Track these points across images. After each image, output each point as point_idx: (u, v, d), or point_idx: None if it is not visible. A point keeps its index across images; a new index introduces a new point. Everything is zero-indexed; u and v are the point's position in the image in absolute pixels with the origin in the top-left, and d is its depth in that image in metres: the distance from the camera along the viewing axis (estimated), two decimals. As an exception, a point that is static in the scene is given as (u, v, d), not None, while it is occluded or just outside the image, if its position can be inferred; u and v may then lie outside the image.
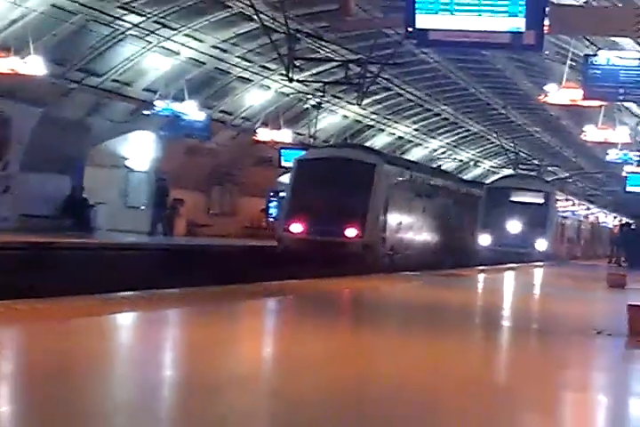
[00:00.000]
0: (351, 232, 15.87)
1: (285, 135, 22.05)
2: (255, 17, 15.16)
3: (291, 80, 15.84)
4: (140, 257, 13.95)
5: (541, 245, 22.59)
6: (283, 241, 16.34)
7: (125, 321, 5.47)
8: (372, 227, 16.15)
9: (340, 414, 2.61)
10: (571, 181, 37.90)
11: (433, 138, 32.92)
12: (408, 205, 18.55)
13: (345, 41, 18.88)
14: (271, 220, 25.01)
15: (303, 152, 19.39)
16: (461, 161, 37.55)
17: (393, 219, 17.24)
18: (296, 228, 15.95)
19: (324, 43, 18.33)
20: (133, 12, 15.85)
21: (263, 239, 20.14)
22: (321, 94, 20.50)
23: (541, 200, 23.09)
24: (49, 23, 15.21)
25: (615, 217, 37.13)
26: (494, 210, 22.44)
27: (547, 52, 16.02)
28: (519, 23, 7.19)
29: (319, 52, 19.37)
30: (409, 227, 18.71)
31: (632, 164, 22.74)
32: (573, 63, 14.37)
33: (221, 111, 21.72)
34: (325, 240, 15.58)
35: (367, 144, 26.03)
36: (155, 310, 5.90)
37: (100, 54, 17.00)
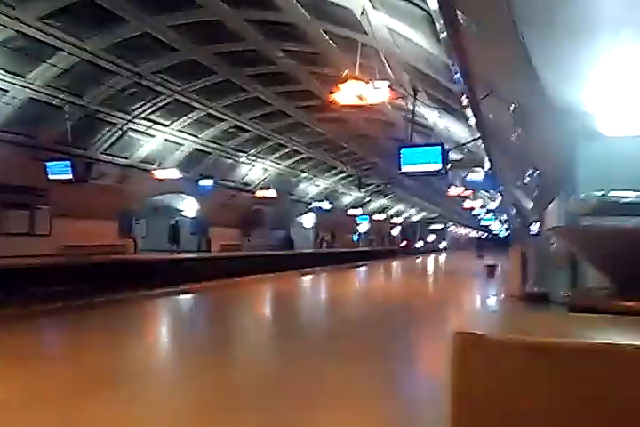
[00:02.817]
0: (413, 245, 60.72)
1: (357, 211, 41.72)
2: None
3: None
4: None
5: (443, 244, 69.64)
6: (399, 248, 54.34)
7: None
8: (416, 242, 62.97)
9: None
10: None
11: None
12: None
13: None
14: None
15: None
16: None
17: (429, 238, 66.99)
18: (402, 244, 57.58)
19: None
20: (244, 152, 26.75)
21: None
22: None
23: (442, 226, 67.83)
24: (196, 157, 24.74)
25: (477, 233, 73.97)
26: (426, 232, 66.65)
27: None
28: (438, 166, 15.25)
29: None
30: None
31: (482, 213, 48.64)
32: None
33: (336, 204, 38.98)
34: (406, 248, 56.32)
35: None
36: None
37: (231, 170, 27.68)
